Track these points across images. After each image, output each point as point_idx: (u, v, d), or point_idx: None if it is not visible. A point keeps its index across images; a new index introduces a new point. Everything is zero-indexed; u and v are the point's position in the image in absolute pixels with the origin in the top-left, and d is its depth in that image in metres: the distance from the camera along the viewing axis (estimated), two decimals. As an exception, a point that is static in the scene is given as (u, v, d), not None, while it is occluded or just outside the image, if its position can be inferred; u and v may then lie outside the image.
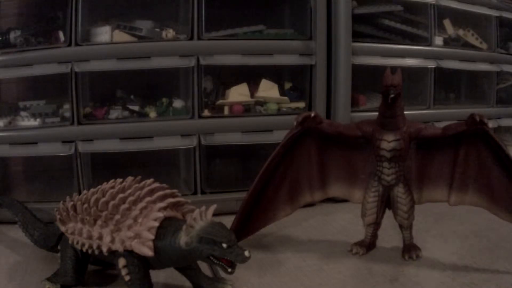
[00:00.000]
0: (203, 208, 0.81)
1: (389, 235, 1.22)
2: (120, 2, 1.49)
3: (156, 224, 0.82)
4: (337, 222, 1.37)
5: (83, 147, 1.33)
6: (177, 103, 1.45)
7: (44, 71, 1.32)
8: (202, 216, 0.80)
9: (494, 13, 1.81)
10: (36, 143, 1.32)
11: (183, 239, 0.80)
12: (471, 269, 1.05)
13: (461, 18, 1.78)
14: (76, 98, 1.33)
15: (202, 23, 1.39)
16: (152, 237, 0.81)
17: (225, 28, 1.44)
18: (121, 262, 0.83)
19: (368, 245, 1.14)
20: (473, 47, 1.78)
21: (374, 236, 1.15)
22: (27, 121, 1.35)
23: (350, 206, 1.23)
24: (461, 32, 1.77)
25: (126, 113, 1.42)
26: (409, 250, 1.11)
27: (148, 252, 0.81)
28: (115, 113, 1.41)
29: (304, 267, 1.06)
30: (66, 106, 1.37)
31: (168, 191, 0.89)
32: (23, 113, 1.37)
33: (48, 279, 0.93)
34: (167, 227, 0.82)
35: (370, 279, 1.01)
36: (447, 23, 1.75)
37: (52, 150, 1.33)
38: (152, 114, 1.42)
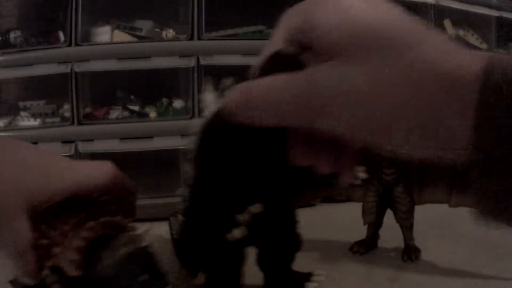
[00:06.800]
0: (140, 230, 0.72)
1: (390, 235, 1.22)
2: (120, 2, 1.49)
3: (83, 243, 0.72)
4: (337, 222, 1.37)
5: (83, 147, 1.33)
6: (177, 103, 1.45)
7: (44, 71, 1.32)
8: (133, 239, 0.70)
9: (494, 13, 1.81)
10: (36, 143, 1.32)
11: (106, 261, 0.70)
12: (472, 269, 1.04)
13: (461, 18, 1.78)
14: (76, 98, 1.33)
15: (202, 23, 1.39)
16: (78, 257, 0.71)
17: (225, 28, 1.44)
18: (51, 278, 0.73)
19: (368, 245, 1.14)
20: (473, 47, 1.78)
21: (375, 235, 1.15)
22: (27, 121, 1.35)
23: (350, 206, 1.23)
24: (461, 32, 1.77)
25: (126, 113, 1.42)
26: (409, 250, 1.11)
27: (73, 272, 0.70)
28: (115, 113, 1.41)
29: (304, 267, 1.06)
30: (66, 106, 1.37)
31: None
32: (23, 113, 1.37)
33: (11, 281, 0.87)
34: (97, 247, 0.72)
35: (370, 279, 1.01)
36: (447, 23, 1.75)
37: (52, 150, 1.33)
38: (152, 114, 1.42)
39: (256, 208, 0.72)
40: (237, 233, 0.73)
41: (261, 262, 0.90)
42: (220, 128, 0.61)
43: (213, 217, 0.75)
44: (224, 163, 0.67)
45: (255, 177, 0.69)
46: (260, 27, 1.49)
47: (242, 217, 0.72)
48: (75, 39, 1.32)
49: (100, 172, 0.71)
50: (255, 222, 0.72)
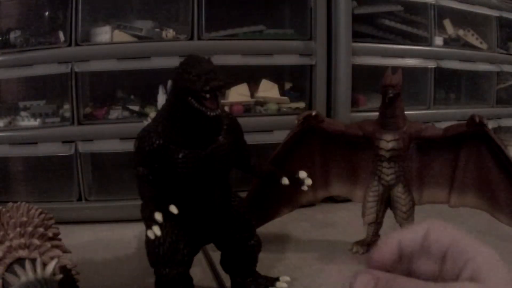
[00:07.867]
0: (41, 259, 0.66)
1: (389, 235, 1.22)
2: (120, 2, 1.49)
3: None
4: (337, 222, 1.37)
5: (83, 147, 1.33)
6: (177, 103, 1.44)
7: (44, 71, 1.32)
8: (36, 268, 0.62)
9: (494, 13, 1.81)
10: (36, 143, 1.32)
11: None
12: (471, 269, 1.04)
13: (461, 18, 1.78)
14: (76, 98, 1.33)
15: (202, 23, 1.38)
16: None
17: (225, 28, 1.44)
18: None
19: (369, 245, 1.14)
20: (473, 47, 1.78)
21: (376, 235, 1.15)
22: (27, 121, 1.35)
23: (350, 205, 1.23)
24: (461, 32, 1.77)
25: (126, 113, 1.42)
26: (409, 250, 1.11)
27: None
28: (115, 113, 1.41)
29: (304, 267, 1.06)
30: (66, 106, 1.37)
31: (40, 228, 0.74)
32: (23, 113, 1.37)
33: None
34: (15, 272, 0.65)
35: (370, 279, 1.01)
36: (447, 23, 1.75)
37: (52, 150, 1.33)
38: (152, 114, 1.42)
39: (172, 209, 0.79)
40: (155, 229, 0.78)
41: (225, 264, 0.93)
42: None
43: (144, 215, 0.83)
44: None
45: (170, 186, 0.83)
46: (260, 27, 1.49)
47: (158, 216, 0.77)
48: (75, 39, 1.32)
49: None
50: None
